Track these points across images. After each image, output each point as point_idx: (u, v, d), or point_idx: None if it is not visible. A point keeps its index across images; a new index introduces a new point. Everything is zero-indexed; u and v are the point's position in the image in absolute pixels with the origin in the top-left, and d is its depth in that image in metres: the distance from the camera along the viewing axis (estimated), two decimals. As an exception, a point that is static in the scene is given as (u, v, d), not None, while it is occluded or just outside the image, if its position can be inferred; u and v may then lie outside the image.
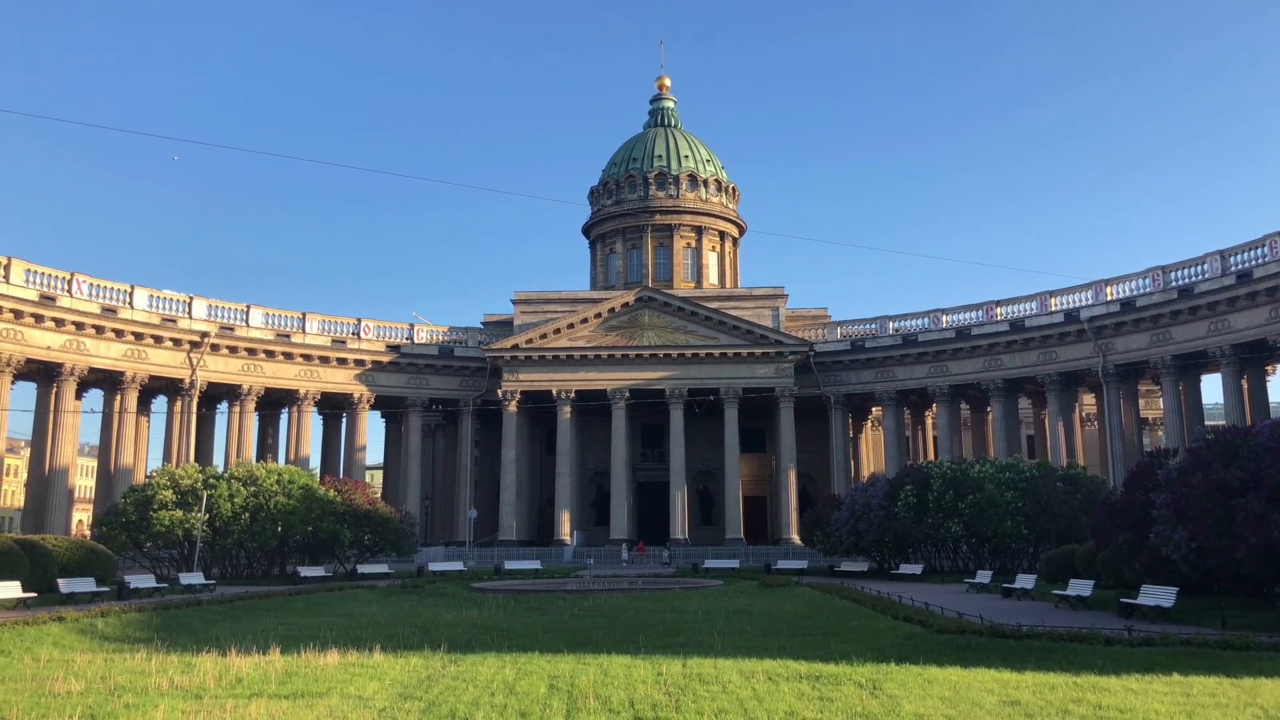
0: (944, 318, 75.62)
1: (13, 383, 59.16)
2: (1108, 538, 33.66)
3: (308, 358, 73.44)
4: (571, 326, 77.71)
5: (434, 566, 55.83)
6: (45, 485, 61.32)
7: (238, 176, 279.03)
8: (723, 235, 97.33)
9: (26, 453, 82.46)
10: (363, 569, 52.13)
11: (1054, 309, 69.53)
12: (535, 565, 58.33)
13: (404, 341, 78.52)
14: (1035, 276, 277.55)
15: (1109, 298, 66.15)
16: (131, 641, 25.50)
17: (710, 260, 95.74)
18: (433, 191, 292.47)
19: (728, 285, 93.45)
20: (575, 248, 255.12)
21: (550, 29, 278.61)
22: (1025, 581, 38.45)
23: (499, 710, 15.60)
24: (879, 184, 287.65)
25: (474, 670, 19.65)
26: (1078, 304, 68.29)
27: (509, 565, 57.25)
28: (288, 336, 72.96)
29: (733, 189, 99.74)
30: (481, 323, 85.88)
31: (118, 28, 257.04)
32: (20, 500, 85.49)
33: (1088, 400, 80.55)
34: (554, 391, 77.36)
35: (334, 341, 75.19)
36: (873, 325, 79.60)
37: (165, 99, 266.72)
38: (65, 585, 35.96)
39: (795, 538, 73.10)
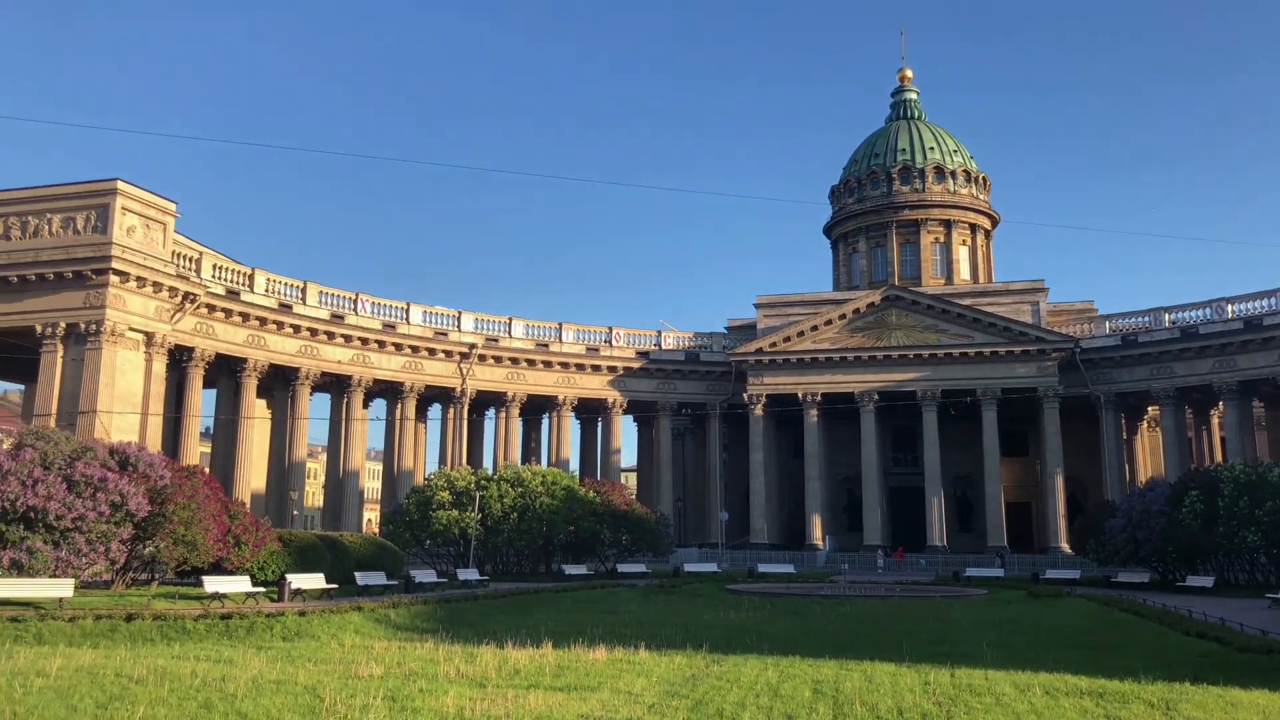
0: (1229, 307, 68.62)
1: (311, 394, 65.86)
2: None
3: (565, 365, 76.96)
4: (815, 329, 76.87)
5: (689, 567, 56.80)
6: (340, 487, 67.90)
7: (496, 197, 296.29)
8: (973, 228, 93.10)
9: (323, 457, 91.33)
10: (622, 568, 53.84)
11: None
12: (789, 569, 58.16)
13: (652, 348, 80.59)
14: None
15: None
16: (420, 631, 27.71)
17: (961, 255, 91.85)
18: (675, 200, 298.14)
19: (980, 280, 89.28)
20: (817, 249, 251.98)
21: (785, 28, 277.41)
22: (1342, 599, 34.36)
23: (765, 712, 15.75)
24: (1135, 171, 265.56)
25: (737, 671, 19.93)
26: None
27: (762, 568, 57.37)
28: (546, 346, 76.79)
29: (983, 179, 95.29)
30: (725, 327, 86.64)
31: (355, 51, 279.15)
32: (320, 500, 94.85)
33: None
34: (799, 395, 76.79)
35: (588, 350, 78.36)
36: (1145, 318, 73.51)
37: (406, 121, 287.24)
38: (361, 578, 39.34)
39: (1064, 546, 68.80)
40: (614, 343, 79.46)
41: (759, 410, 77.70)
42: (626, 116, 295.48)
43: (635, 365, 79.05)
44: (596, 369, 78.03)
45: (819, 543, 74.72)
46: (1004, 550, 70.05)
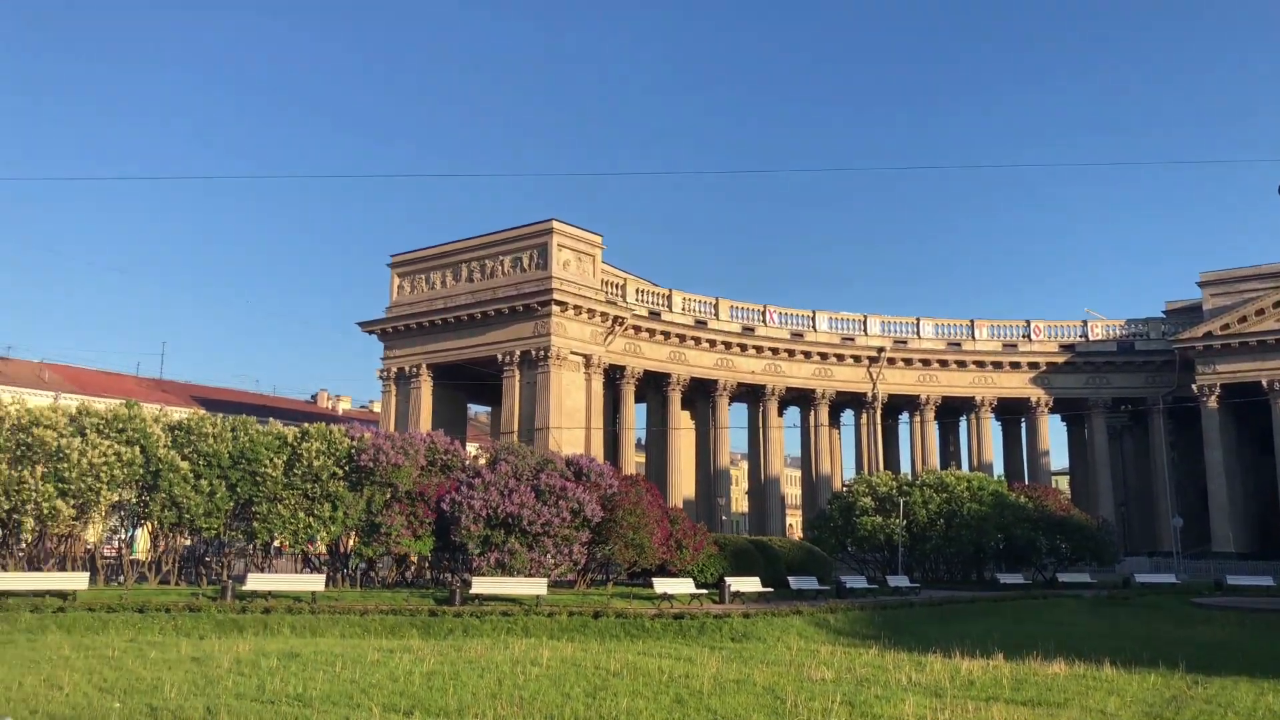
0: None
1: (729, 404, 69.03)
2: None
3: (980, 364, 73.78)
4: (1277, 305, 66.95)
5: (1140, 578, 51.84)
6: (762, 493, 70.55)
7: (900, 197, 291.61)
8: None
9: (743, 464, 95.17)
10: (1062, 577, 50.50)
11: None
12: (1266, 581, 50.88)
13: (1078, 340, 74.81)
14: None
15: None
16: (861, 638, 27.87)
17: None
18: (1091, 175, 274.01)
19: None
20: (1267, 212, 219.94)
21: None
22: None
23: (1279, 745, 14.02)
24: None
25: (1227, 694, 17.95)
26: None
27: (1231, 580, 50.83)
28: (958, 345, 74.16)
29: None
30: (1163, 311, 78.08)
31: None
32: (743, 506, 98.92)
33: None
34: (1263, 382, 67.22)
35: (1004, 346, 74.54)
36: None
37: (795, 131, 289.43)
38: (794, 582, 40.15)
39: None
40: (1033, 337, 74.87)
41: (1213, 402, 69.14)
42: (1024, 85, 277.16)
43: (1059, 360, 73.89)
44: (1015, 366, 73.96)
45: (1302, 551, 64.77)
46: None
